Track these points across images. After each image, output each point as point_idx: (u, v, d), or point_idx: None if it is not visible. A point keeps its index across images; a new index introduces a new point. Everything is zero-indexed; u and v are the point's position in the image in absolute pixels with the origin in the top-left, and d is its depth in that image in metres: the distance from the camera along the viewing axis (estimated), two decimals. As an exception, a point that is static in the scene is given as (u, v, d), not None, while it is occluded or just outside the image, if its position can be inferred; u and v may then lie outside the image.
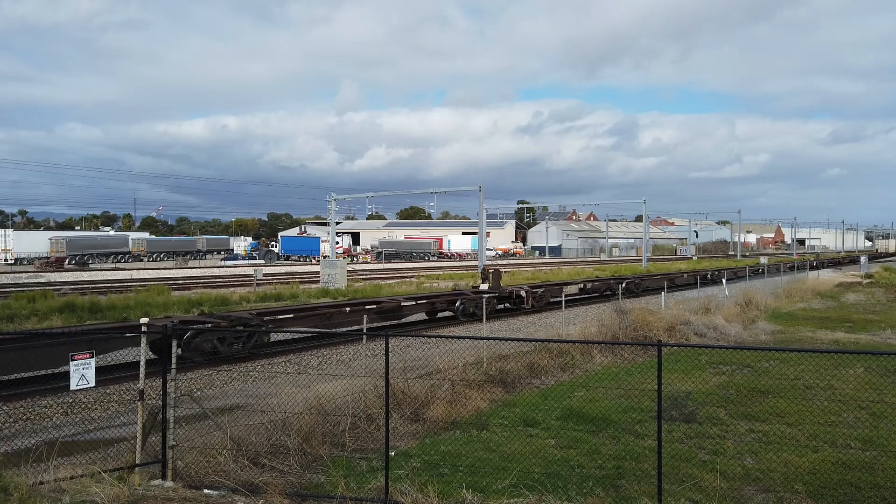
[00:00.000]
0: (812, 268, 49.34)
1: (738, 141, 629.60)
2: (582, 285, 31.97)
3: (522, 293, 24.99)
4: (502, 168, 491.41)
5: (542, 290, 26.88)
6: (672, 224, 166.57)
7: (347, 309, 19.04)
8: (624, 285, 32.35)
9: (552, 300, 27.47)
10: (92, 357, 7.53)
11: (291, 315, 17.78)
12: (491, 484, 7.21)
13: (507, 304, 25.51)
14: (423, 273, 50.42)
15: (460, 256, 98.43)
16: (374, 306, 20.22)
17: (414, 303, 21.74)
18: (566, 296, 29.46)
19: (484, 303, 18.54)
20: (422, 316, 22.71)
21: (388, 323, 21.49)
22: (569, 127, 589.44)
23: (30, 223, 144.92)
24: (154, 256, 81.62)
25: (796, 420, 9.78)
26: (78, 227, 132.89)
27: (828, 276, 45.23)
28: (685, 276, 40.59)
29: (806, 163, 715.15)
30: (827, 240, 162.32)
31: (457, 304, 22.53)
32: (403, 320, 21.79)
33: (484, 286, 24.76)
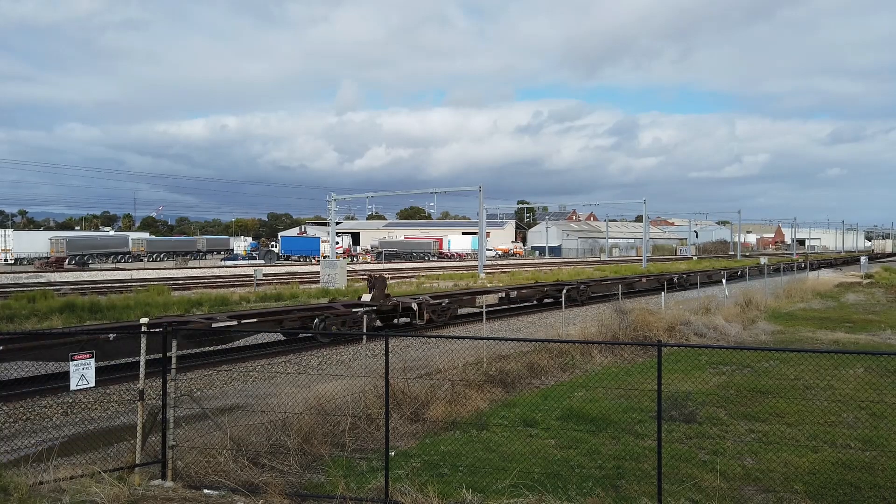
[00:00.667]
0: (801, 269, 48.54)
1: (738, 141, 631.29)
2: (504, 294, 25.64)
3: (414, 306, 20.21)
4: (502, 168, 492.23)
5: (445, 300, 21.78)
6: (672, 224, 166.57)
7: (112, 336, 12.66)
8: (565, 292, 28.53)
9: (462, 313, 23.06)
10: (92, 357, 7.54)
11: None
12: (491, 484, 7.21)
13: (395, 320, 20.68)
14: (423, 273, 50.43)
15: (460, 256, 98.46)
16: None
17: (236, 322, 15.46)
18: (487, 306, 24.15)
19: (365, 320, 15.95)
20: (274, 337, 18.08)
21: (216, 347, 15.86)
22: (568, 127, 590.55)
23: (30, 223, 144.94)
24: (154, 256, 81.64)
25: (796, 420, 9.78)
26: (78, 227, 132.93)
27: (828, 277, 45.22)
28: (643, 280, 36.53)
29: (806, 163, 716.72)
30: (827, 240, 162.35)
31: (315, 321, 17.60)
32: (231, 345, 16.35)
33: (367, 297, 20.29)
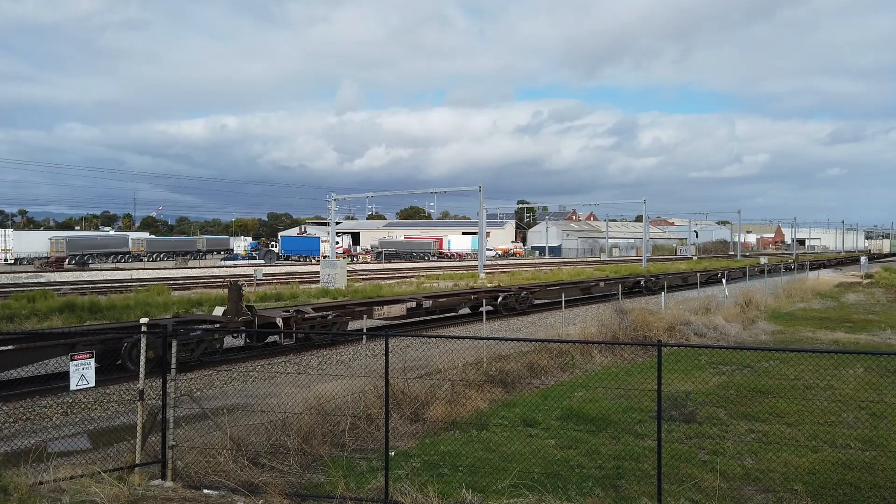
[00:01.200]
0: (790, 270, 47.39)
1: (737, 141, 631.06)
2: (414, 303, 20.71)
3: (278, 321, 16.15)
4: (502, 168, 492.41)
5: (330, 313, 17.60)
6: (672, 224, 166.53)
7: None
8: (501, 300, 24.19)
9: (355, 327, 18.66)
10: (92, 357, 7.54)
11: None
12: (491, 484, 7.21)
13: (250, 341, 16.68)
14: (423, 273, 50.44)
15: (460, 256, 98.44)
16: None
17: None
18: (393, 319, 20.05)
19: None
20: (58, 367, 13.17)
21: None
22: (568, 127, 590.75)
23: (30, 223, 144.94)
24: (154, 256, 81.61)
25: (796, 420, 9.79)
26: (78, 227, 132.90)
27: (828, 277, 45.22)
28: (601, 284, 31.79)
29: (806, 163, 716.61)
30: (827, 240, 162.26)
31: (125, 345, 13.14)
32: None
33: (219, 310, 15.87)
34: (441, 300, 22.35)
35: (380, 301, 20.90)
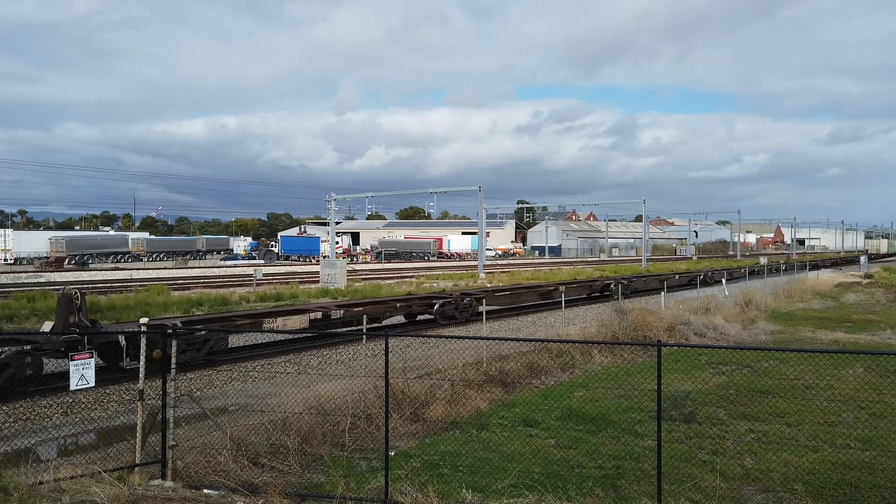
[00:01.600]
0: (783, 271, 47.00)
1: (737, 141, 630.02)
2: (319, 314, 17.97)
3: (120, 339, 13.47)
4: (502, 168, 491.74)
5: (200, 327, 14.70)
6: (672, 224, 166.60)
7: None
8: (438, 307, 21.33)
9: (239, 344, 16.65)
10: (91, 357, 7.54)
11: None
12: (491, 484, 7.21)
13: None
14: (423, 273, 50.45)
15: (460, 256, 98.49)
16: None
17: None
18: (295, 332, 16.77)
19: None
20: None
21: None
22: (568, 126, 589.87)
23: (29, 223, 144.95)
24: (154, 256, 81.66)
25: (796, 420, 9.79)
26: (77, 227, 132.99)
27: (828, 277, 45.22)
28: (561, 289, 26.56)
29: (806, 163, 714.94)
30: (827, 240, 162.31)
31: None
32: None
33: (48, 325, 13.31)
34: (355, 309, 18.92)
35: (273, 312, 17.81)
